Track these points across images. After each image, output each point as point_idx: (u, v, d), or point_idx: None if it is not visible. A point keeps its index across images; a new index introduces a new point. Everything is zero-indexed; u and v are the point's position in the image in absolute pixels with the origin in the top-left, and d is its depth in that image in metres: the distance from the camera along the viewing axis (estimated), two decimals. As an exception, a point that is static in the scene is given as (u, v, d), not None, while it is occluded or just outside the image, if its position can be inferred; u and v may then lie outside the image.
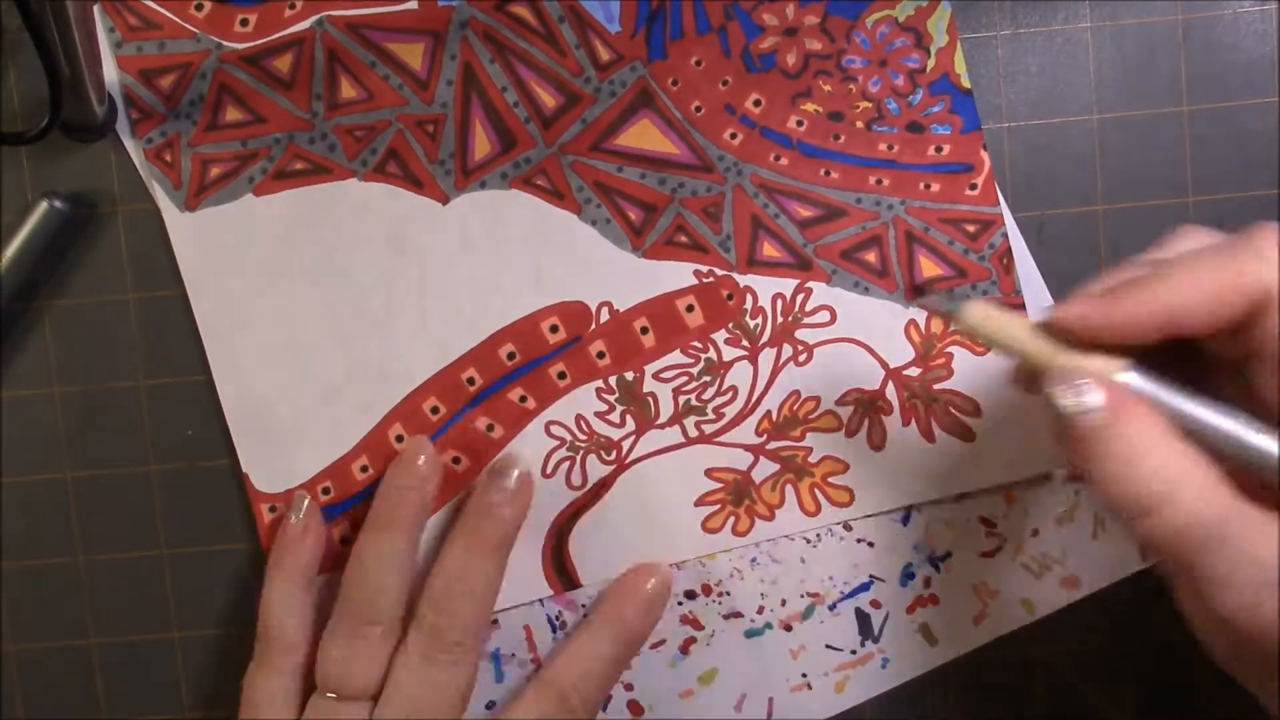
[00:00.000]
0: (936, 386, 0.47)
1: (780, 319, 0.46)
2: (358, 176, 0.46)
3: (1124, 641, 0.48)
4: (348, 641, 0.44)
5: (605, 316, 0.47)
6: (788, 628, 0.48)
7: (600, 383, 0.47)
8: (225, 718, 0.48)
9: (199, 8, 0.45)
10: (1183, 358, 0.35)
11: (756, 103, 0.46)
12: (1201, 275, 0.34)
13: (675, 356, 0.47)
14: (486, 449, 0.47)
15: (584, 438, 0.47)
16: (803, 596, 0.48)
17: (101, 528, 0.48)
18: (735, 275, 0.46)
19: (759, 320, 0.46)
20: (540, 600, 0.48)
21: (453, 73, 0.46)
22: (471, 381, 0.47)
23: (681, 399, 0.47)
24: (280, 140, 0.46)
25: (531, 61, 0.46)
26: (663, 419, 0.47)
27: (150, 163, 0.46)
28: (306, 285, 0.46)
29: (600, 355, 0.47)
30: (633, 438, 0.47)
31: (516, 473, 0.45)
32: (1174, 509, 0.32)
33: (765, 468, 0.47)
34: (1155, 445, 0.33)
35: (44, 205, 0.45)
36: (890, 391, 0.47)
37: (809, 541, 0.47)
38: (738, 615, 0.48)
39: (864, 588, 0.48)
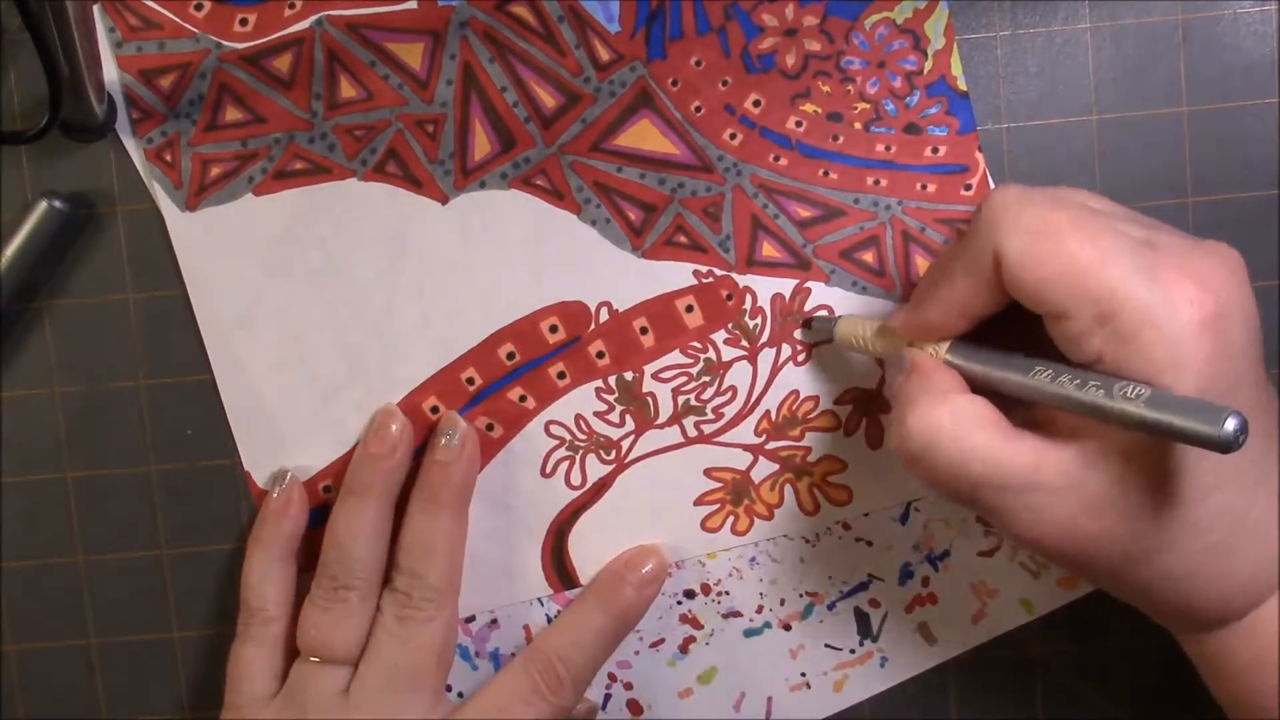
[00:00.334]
0: (935, 386, 0.47)
1: (780, 319, 0.46)
2: (357, 176, 0.46)
3: (1124, 641, 0.48)
4: (326, 606, 0.44)
5: (605, 316, 0.47)
6: (787, 627, 0.48)
7: (600, 382, 0.47)
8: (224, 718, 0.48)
9: (199, 7, 0.45)
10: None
11: (756, 103, 0.46)
12: (957, 275, 0.37)
13: (675, 356, 0.47)
14: (487, 448, 0.47)
15: (583, 437, 0.47)
16: (801, 596, 0.48)
17: (101, 528, 0.48)
18: (734, 275, 0.46)
19: (758, 320, 0.47)
20: (539, 599, 0.48)
21: (452, 72, 0.46)
22: (471, 381, 0.47)
23: (681, 399, 0.47)
24: (280, 140, 0.46)
25: (531, 61, 0.46)
26: (662, 419, 0.47)
27: (150, 163, 0.46)
28: (306, 285, 0.46)
29: (600, 355, 0.47)
30: (632, 437, 0.47)
31: (460, 429, 0.46)
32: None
33: (764, 467, 0.47)
34: (934, 399, 0.37)
35: (43, 205, 0.45)
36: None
37: (808, 541, 0.47)
38: (737, 614, 0.48)
39: (862, 587, 0.48)
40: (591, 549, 0.47)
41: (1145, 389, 0.33)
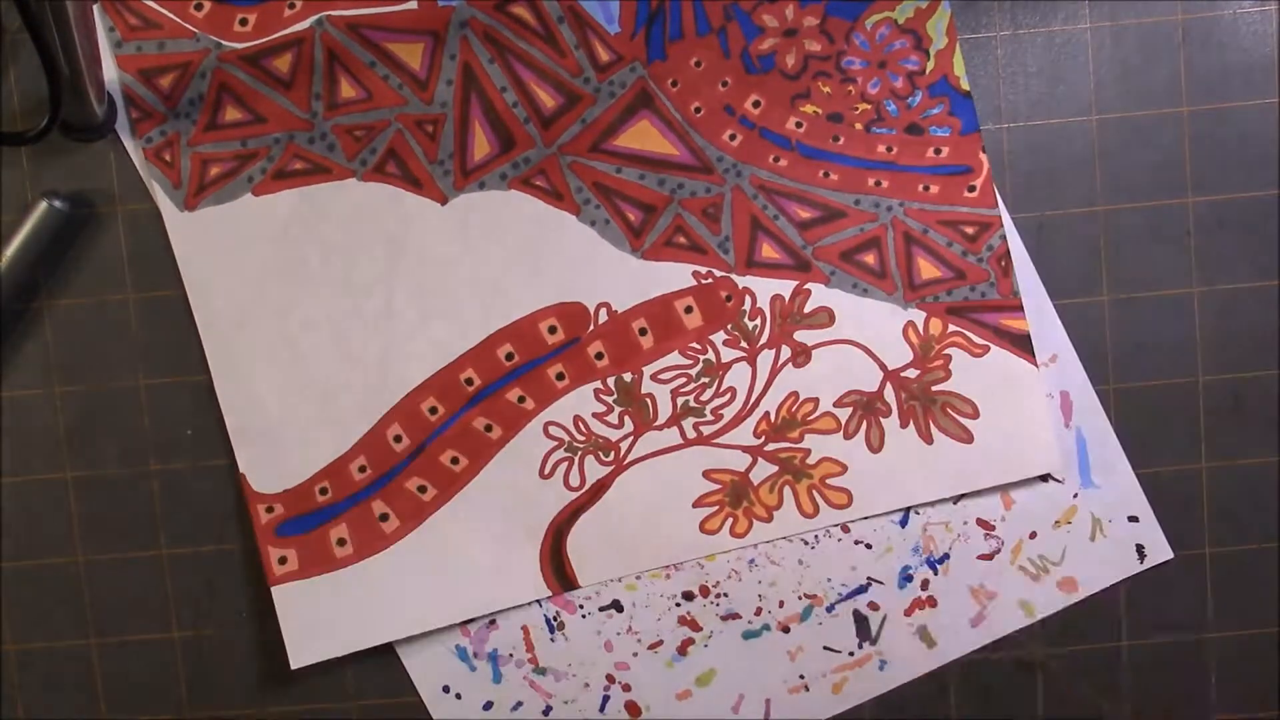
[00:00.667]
0: (935, 388, 0.46)
1: (779, 320, 0.46)
2: (357, 176, 0.46)
3: (1124, 642, 0.48)
4: None
5: (604, 317, 0.47)
6: (785, 629, 0.48)
7: (599, 384, 0.47)
8: (225, 718, 0.48)
9: (199, 7, 0.45)
10: None
11: (756, 104, 0.46)
12: None
13: (674, 358, 0.47)
14: (485, 449, 0.47)
15: (582, 438, 0.47)
16: (801, 598, 0.48)
17: (101, 528, 0.48)
18: (734, 276, 0.46)
19: (757, 321, 0.46)
20: (538, 601, 0.48)
21: (452, 73, 0.46)
22: (470, 382, 0.47)
23: (680, 400, 0.47)
24: (280, 140, 0.46)
25: (531, 62, 0.46)
26: (661, 420, 0.47)
27: (150, 162, 0.46)
28: (305, 285, 0.46)
29: (599, 356, 0.47)
30: (631, 438, 0.47)
31: None
32: None
33: (763, 469, 0.47)
34: None
35: (44, 205, 0.45)
36: (889, 393, 0.47)
37: (807, 543, 0.47)
38: (735, 616, 0.48)
39: (862, 590, 0.48)
40: (590, 550, 0.47)
41: None
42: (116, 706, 0.49)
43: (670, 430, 0.47)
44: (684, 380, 0.47)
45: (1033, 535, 0.47)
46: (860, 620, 0.48)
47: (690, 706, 0.48)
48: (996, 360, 0.46)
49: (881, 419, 0.47)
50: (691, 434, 0.47)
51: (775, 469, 0.47)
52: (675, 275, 0.46)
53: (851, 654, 0.48)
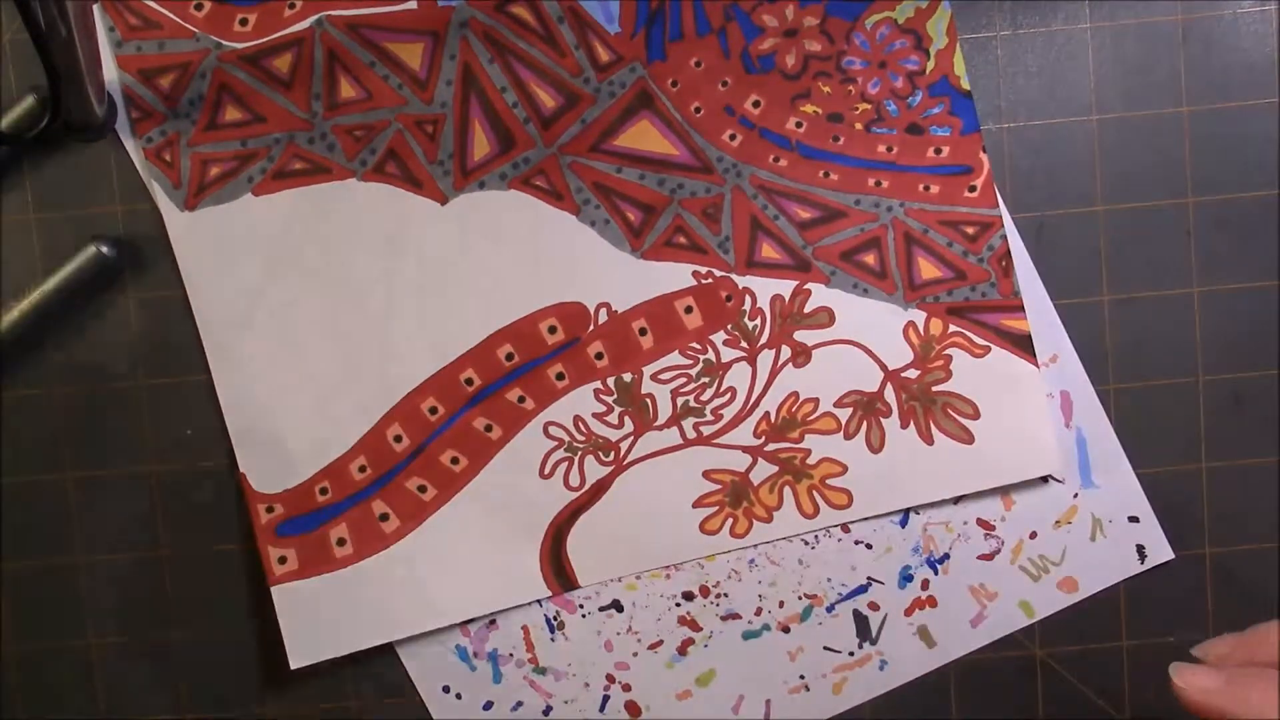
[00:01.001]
0: (935, 389, 0.46)
1: (779, 320, 0.46)
2: (357, 176, 0.46)
3: (1124, 642, 0.48)
4: None
5: (604, 317, 0.47)
6: (786, 629, 0.48)
7: (599, 384, 0.47)
8: (224, 718, 0.48)
9: (199, 7, 0.45)
10: None
11: (756, 104, 0.46)
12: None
13: (674, 358, 0.47)
14: (485, 449, 0.47)
15: (582, 438, 0.47)
16: (801, 598, 0.48)
17: (101, 528, 0.48)
18: (734, 276, 0.46)
19: (757, 321, 0.46)
20: (538, 601, 0.48)
21: (452, 73, 0.46)
22: (470, 382, 0.47)
23: (680, 400, 0.47)
24: (280, 140, 0.46)
25: (531, 62, 0.46)
26: (661, 420, 0.47)
27: (150, 162, 0.46)
28: (305, 285, 0.46)
29: (599, 356, 0.47)
30: (631, 439, 0.47)
31: None
32: None
33: (763, 469, 0.47)
34: None
35: (91, 250, 0.46)
36: (889, 393, 0.47)
37: (807, 543, 0.47)
38: (736, 617, 0.48)
39: (862, 590, 0.48)
40: (590, 550, 0.47)
41: None
42: (116, 706, 0.49)
43: (670, 430, 0.47)
44: (684, 380, 0.47)
45: (1033, 535, 0.47)
46: (860, 620, 0.48)
47: (690, 706, 0.48)
48: (997, 361, 0.46)
49: (882, 419, 0.47)
50: (691, 434, 0.47)
51: (775, 469, 0.47)
52: (675, 275, 0.46)
53: (851, 654, 0.48)
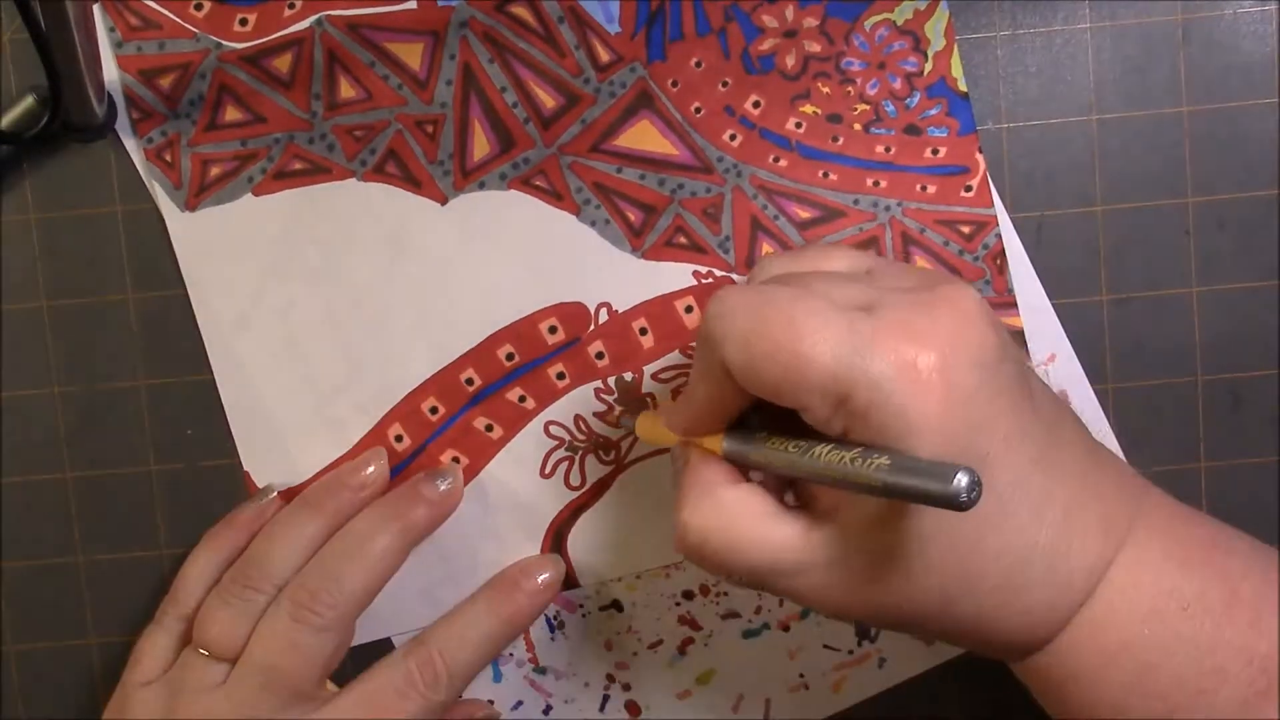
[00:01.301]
0: (935, 387, 0.46)
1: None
2: (357, 176, 0.46)
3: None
4: (230, 602, 0.43)
5: (604, 317, 0.47)
6: (785, 628, 0.48)
7: (599, 383, 0.47)
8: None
9: (199, 7, 0.45)
10: None
11: (756, 104, 0.46)
12: (699, 384, 0.37)
13: (674, 357, 0.47)
14: (486, 449, 0.47)
15: (583, 438, 0.47)
16: (801, 597, 0.48)
17: (101, 528, 0.48)
18: (734, 276, 0.46)
19: (758, 321, 0.46)
20: (539, 600, 0.48)
21: (452, 73, 0.46)
22: (470, 382, 0.47)
23: (680, 400, 0.47)
24: (280, 140, 0.46)
25: (531, 62, 0.46)
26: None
27: (150, 162, 0.46)
28: (306, 285, 0.46)
29: (599, 356, 0.47)
30: (632, 438, 0.47)
31: (457, 481, 0.46)
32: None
33: (764, 469, 0.47)
34: (702, 492, 0.37)
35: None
36: (889, 392, 0.47)
37: (807, 542, 0.47)
38: (735, 615, 0.48)
39: (862, 589, 0.48)
40: (591, 550, 0.47)
41: (885, 456, 0.32)
42: (116, 706, 0.49)
43: (670, 430, 0.47)
44: (685, 380, 0.47)
45: (1032, 534, 0.47)
46: (860, 619, 0.48)
47: (690, 706, 0.48)
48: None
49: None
50: (692, 434, 0.47)
51: (775, 468, 0.47)
52: (676, 275, 0.46)
53: (851, 652, 0.48)
